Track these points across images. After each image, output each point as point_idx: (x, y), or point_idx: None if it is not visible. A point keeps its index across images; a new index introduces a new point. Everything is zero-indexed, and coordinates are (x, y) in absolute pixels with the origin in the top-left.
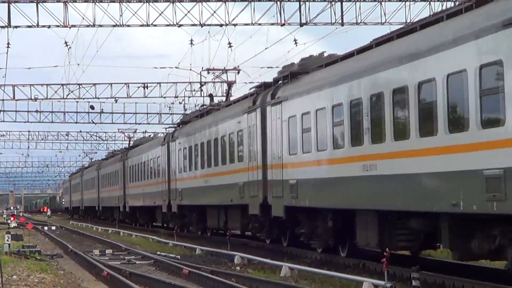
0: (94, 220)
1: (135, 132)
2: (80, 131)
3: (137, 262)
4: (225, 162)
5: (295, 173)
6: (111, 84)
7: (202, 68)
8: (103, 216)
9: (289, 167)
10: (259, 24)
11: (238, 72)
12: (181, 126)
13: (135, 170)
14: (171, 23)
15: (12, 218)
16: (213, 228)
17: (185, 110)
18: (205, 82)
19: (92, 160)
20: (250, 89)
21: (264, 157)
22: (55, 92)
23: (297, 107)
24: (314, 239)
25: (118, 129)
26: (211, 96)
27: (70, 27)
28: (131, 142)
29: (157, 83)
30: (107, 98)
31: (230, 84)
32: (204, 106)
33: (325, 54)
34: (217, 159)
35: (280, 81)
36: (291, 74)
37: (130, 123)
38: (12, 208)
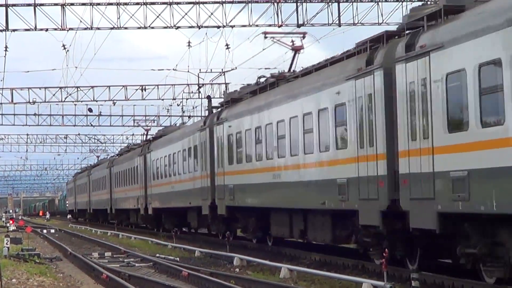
0: (105, 225)
1: (153, 121)
2: (79, 134)
3: (136, 264)
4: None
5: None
6: (109, 86)
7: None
8: (116, 220)
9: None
10: (257, 26)
11: (304, 37)
12: (227, 105)
13: (161, 165)
14: (169, 25)
15: (11, 221)
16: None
17: (183, 112)
18: (203, 84)
19: (100, 159)
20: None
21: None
22: (53, 95)
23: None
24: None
25: (134, 120)
26: (209, 98)
27: (67, 30)
28: (147, 134)
29: (155, 85)
30: (105, 100)
31: (296, 51)
32: (263, 78)
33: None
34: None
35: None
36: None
37: (128, 126)
38: (11, 211)
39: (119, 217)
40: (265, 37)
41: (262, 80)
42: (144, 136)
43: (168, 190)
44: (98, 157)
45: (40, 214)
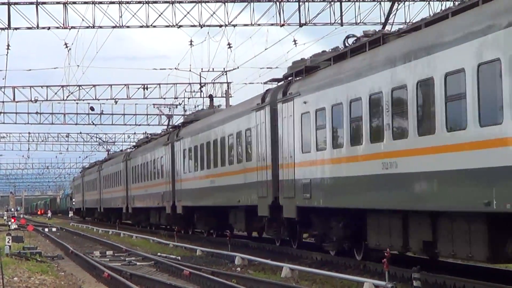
0: (119, 225)
1: (177, 107)
2: (80, 133)
3: (137, 263)
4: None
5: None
6: (111, 85)
7: (201, 68)
8: (133, 221)
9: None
10: (259, 25)
11: (176, 107)
12: (300, 76)
13: (195, 155)
14: (171, 24)
15: (12, 220)
16: None
17: (185, 111)
18: (205, 83)
19: (111, 152)
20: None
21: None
22: (55, 93)
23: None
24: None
25: (154, 105)
26: (211, 97)
27: (70, 29)
28: (170, 122)
29: (157, 84)
30: (107, 99)
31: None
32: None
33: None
34: None
35: (287, 78)
36: (305, 69)
37: (130, 124)
38: (12, 209)
39: (137, 217)
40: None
41: (352, 40)
42: (167, 123)
43: (205, 184)
44: (108, 151)
45: (39, 213)
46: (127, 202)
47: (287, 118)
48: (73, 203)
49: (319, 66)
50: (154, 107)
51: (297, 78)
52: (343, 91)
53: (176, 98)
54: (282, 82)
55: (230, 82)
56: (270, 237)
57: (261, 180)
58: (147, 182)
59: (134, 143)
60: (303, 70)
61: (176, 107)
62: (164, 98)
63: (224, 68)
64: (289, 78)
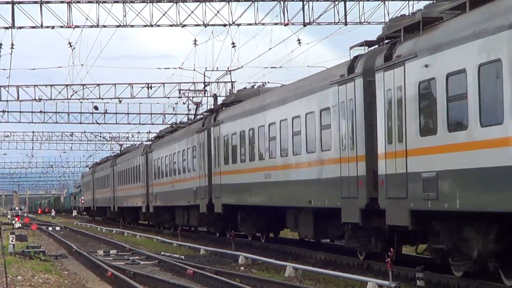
0: (135, 226)
1: (205, 93)
2: (84, 132)
3: (141, 262)
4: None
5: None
6: (115, 84)
7: (206, 68)
8: (153, 221)
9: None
10: (263, 24)
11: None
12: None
13: (242, 142)
14: (175, 23)
15: (16, 219)
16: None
17: (189, 110)
18: (209, 82)
19: (124, 147)
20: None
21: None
22: (59, 92)
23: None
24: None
25: (180, 90)
26: (215, 96)
27: (74, 28)
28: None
29: (161, 83)
30: (111, 98)
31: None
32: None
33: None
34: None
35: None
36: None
37: (134, 124)
38: (16, 208)
39: (160, 217)
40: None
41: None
42: (194, 112)
43: (256, 179)
44: (121, 145)
45: (39, 212)
46: (147, 200)
47: (393, 90)
48: (82, 201)
49: (442, 18)
50: (180, 93)
51: (406, 36)
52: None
53: (180, 97)
54: (377, 46)
55: (234, 82)
56: (351, 247)
57: (346, 175)
58: (174, 176)
59: (139, 141)
60: (420, 22)
61: (205, 93)
62: (168, 98)
63: (228, 68)
64: (391, 40)
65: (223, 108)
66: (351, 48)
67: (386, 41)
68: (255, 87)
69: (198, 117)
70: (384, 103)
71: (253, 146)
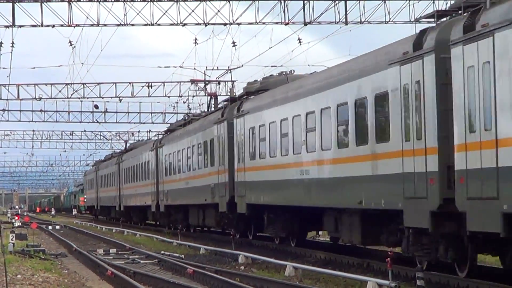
0: (142, 227)
1: (219, 84)
2: (85, 131)
3: (141, 261)
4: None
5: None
6: (115, 83)
7: (206, 67)
8: (163, 221)
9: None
10: (263, 23)
11: (219, 83)
12: None
13: (272, 133)
14: (175, 22)
15: (16, 217)
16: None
17: (189, 109)
18: (209, 81)
19: (130, 143)
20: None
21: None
22: (60, 91)
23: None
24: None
25: (192, 80)
26: (215, 95)
27: (74, 27)
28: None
29: (161, 82)
30: (111, 97)
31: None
32: None
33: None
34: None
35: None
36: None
37: (135, 123)
38: (16, 207)
39: (171, 217)
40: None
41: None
42: (208, 104)
43: (291, 176)
44: (126, 142)
45: (37, 210)
46: (157, 199)
47: (476, 67)
48: (84, 200)
49: None
50: (191, 84)
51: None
52: None
53: (181, 96)
54: (448, 18)
55: (235, 81)
56: (411, 255)
57: (411, 171)
58: (188, 173)
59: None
60: None
61: (219, 83)
62: (169, 97)
63: (228, 66)
64: (469, 10)
65: (246, 97)
66: (416, 20)
67: (463, 12)
68: (283, 74)
69: (204, 110)
70: (464, 84)
71: (286, 139)
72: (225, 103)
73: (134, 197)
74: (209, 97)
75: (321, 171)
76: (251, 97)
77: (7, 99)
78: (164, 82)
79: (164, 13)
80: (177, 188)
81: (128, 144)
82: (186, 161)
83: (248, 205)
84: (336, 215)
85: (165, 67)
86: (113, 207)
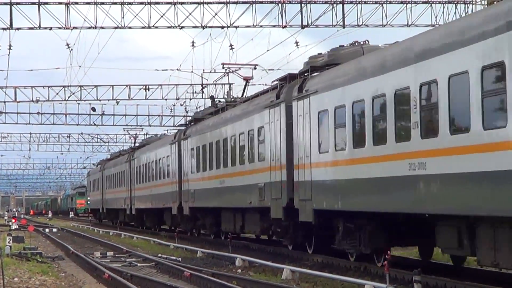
0: (162, 234)
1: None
2: (82, 133)
3: (138, 264)
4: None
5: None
6: (112, 86)
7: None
8: (187, 226)
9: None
10: (261, 26)
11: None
12: None
13: (358, 120)
14: (173, 25)
15: (13, 220)
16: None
17: (186, 112)
18: (206, 84)
19: (146, 137)
20: (273, 82)
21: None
22: (57, 94)
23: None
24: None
25: (224, 65)
26: (212, 98)
27: (71, 29)
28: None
29: (159, 85)
30: (108, 100)
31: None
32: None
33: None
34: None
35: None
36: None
37: (132, 125)
38: (14, 210)
39: (198, 221)
40: (223, 67)
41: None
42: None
43: (393, 172)
44: (135, 138)
45: (31, 213)
46: (180, 200)
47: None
48: (88, 202)
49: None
50: (224, 67)
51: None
52: None
53: (178, 99)
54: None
55: (232, 83)
56: None
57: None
58: (225, 169)
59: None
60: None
61: (202, 95)
62: (166, 99)
63: (226, 69)
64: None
65: (311, 73)
66: (272, 82)
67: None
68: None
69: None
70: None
71: (383, 124)
72: (279, 82)
73: (149, 198)
74: (245, 82)
75: (448, 164)
76: (317, 73)
77: (4, 102)
78: (161, 85)
79: (162, 16)
80: (208, 188)
81: (135, 141)
82: (221, 155)
83: (316, 212)
84: (460, 226)
85: (162, 69)
86: (122, 210)
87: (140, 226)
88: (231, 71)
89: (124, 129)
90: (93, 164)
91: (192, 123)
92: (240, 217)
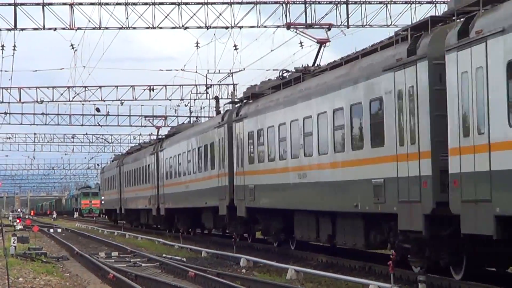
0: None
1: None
2: (86, 134)
3: (142, 264)
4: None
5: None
6: (117, 86)
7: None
8: (239, 231)
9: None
10: (265, 27)
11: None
12: None
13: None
14: (177, 26)
15: (18, 221)
16: None
17: (191, 112)
18: (211, 85)
19: (174, 127)
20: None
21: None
22: (61, 94)
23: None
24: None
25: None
26: (217, 98)
27: (76, 30)
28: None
29: (163, 85)
30: (113, 100)
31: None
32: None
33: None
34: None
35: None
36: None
37: (136, 126)
38: (19, 210)
39: (260, 224)
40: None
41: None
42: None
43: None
44: (158, 128)
45: (32, 213)
46: (230, 197)
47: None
48: (102, 201)
49: None
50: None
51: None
52: None
53: (182, 99)
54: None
55: (236, 84)
56: None
57: None
58: (309, 158)
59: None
60: None
61: (206, 96)
62: (170, 100)
63: (230, 70)
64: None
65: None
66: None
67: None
68: None
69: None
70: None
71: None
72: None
73: (185, 196)
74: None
75: None
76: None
77: (9, 102)
78: (165, 85)
79: (166, 17)
80: (276, 184)
81: (158, 132)
82: (298, 139)
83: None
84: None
85: (166, 70)
86: (147, 210)
87: (168, 230)
88: (298, 32)
89: (145, 118)
90: (98, 164)
91: (245, 101)
92: (329, 222)
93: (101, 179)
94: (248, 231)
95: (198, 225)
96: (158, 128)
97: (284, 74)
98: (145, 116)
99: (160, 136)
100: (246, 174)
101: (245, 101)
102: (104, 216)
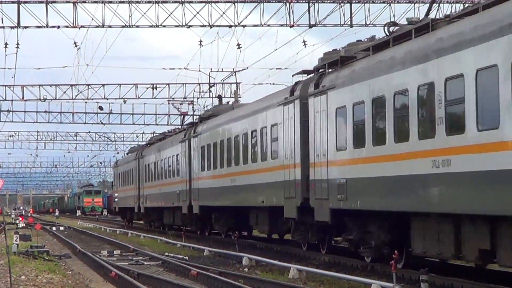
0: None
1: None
2: (89, 132)
3: (145, 263)
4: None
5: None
6: (120, 84)
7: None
8: (315, 238)
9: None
10: (268, 25)
11: None
12: None
13: None
14: (180, 24)
15: (20, 218)
16: None
17: (194, 111)
18: (214, 83)
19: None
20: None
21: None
22: (64, 92)
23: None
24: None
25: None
26: (220, 97)
27: (79, 28)
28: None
29: (166, 84)
30: (116, 98)
31: None
32: None
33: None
34: None
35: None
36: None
37: (139, 124)
38: (21, 208)
39: (354, 231)
40: None
41: None
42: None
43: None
44: (184, 114)
45: (31, 211)
46: (301, 197)
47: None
48: (115, 199)
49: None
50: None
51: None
52: None
53: (185, 98)
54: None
55: (239, 83)
56: None
57: None
58: (407, 144)
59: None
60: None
61: (209, 94)
62: (173, 98)
63: (233, 69)
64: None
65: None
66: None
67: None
68: None
69: None
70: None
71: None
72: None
73: (228, 191)
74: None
75: None
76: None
77: (12, 100)
78: (168, 84)
79: (169, 15)
80: (384, 177)
81: (184, 119)
82: (393, 121)
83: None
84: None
85: (170, 68)
86: (173, 209)
87: (201, 231)
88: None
89: (169, 102)
90: (101, 162)
91: (328, 70)
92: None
93: (114, 174)
94: (326, 240)
95: (242, 227)
96: (183, 114)
97: (390, 29)
98: (169, 100)
99: (194, 121)
100: (331, 165)
101: (327, 70)
102: (108, 215)
